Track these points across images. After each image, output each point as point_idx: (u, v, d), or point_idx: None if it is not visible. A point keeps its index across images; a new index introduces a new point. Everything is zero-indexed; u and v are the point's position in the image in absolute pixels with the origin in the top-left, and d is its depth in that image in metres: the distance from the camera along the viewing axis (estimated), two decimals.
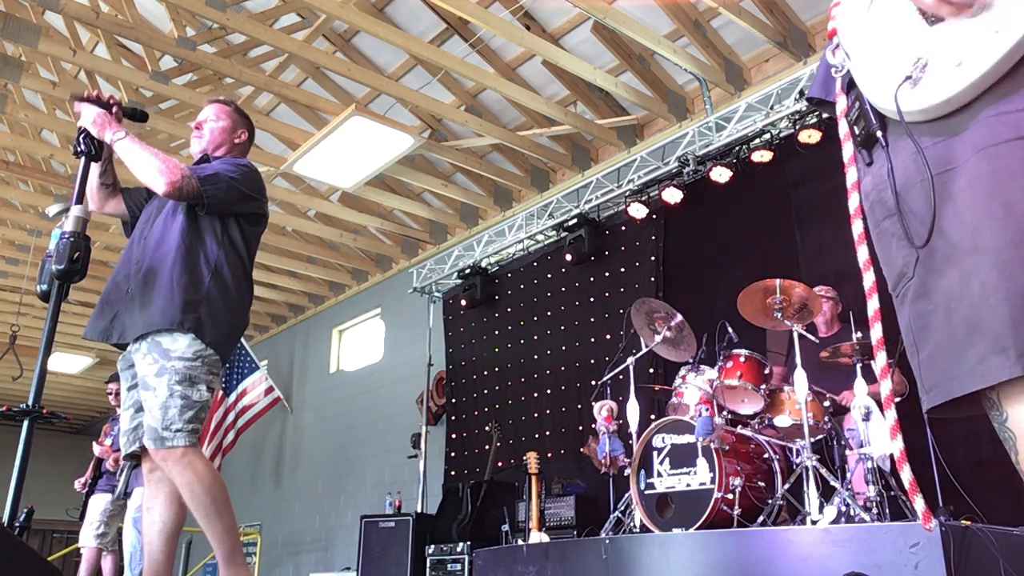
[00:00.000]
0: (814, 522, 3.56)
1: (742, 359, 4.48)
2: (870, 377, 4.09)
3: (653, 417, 4.91)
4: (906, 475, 1.26)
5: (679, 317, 4.87)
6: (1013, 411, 1.13)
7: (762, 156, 5.82)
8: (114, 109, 2.83)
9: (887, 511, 3.62)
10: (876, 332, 1.31)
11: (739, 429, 4.38)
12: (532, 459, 5.16)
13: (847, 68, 1.31)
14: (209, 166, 2.81)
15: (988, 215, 1.10)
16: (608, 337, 6.67)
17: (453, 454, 7.93)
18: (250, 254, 2.87)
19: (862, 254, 1.28)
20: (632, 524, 4.40)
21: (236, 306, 2.77)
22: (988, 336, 1.10)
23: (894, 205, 1.24)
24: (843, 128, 1.37)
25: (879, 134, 1.27)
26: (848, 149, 1.35)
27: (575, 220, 7.07)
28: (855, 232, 1.28)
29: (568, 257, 7.10)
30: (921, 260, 1.20)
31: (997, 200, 1.10)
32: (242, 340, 10.74)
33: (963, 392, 1.14)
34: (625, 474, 4.45)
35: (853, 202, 1.30)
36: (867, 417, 3.77)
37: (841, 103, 1.37)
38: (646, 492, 4.28)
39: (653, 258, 6.54)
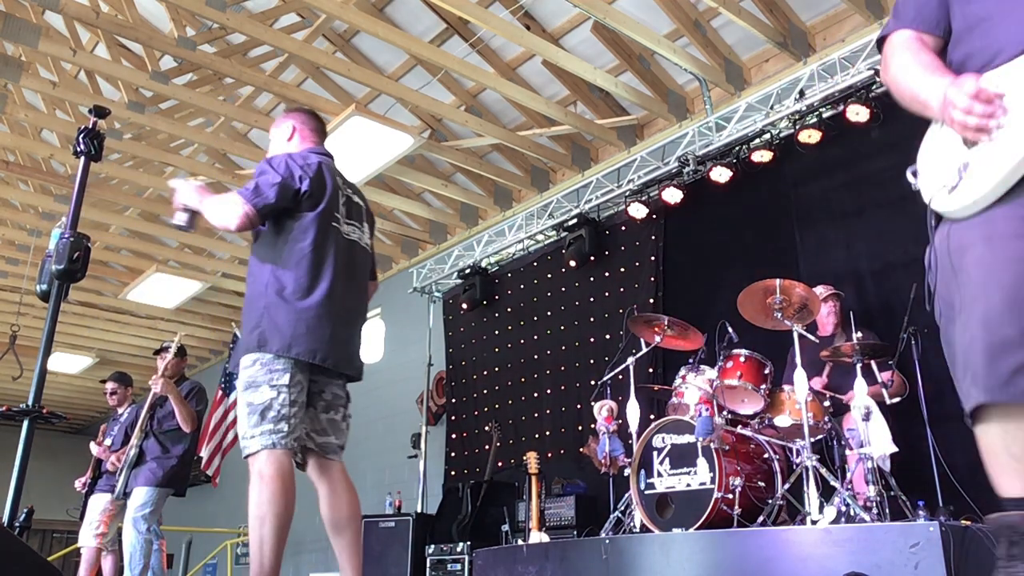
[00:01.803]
0: (814, 522, 3.56)
1: (742, 359, 4.48)
2: (870, 377, 4.09)
3: (653, 417, 4.91)
4: None
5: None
6: (977, 430, 1.55)
7: (762, 156, 5.81)
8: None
9: (887, 511, 3.62)
10: None
11: (739, 429, 4.38)
12: (532, 459, 5.15)
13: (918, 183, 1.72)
14: (250, 182, 2.84)
15: (984, 288, 1.50)
16: (608, 337, 6.67)
17: (453, 454, 7.93)
18: (309, 237, 2.80)
19: None
20: (632, 524, 4.40)
21: (299, 299, 2.74)
22: (971, 372, 1.50)
23: (931, 276, 1.67)
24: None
25: (932, 223, 1.69)
26: None
27: (575, 220, 7.07)
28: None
29: (570, 259, 7.09)
30: (943, 315, 1.63)
31: (993, 278, 1.49)
32: None
33: (967, 409, 1.54)
34: (625, 474, 4.45)
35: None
36: (867, 417, 3.77)
37: None
38: (646, 492, 4.28)
39: (653, 258, 6.54)
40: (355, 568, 2.83)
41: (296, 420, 2.69)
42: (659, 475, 4.24)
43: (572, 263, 7.08)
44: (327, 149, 3.12)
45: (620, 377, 5.00)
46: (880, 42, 1.82)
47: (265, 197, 2.75)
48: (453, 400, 8.13)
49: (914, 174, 1.72)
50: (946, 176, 1.60)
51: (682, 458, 4.17)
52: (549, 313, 7.37)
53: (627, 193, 6.70)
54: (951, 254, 1.57)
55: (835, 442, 4.22)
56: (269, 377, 2.66)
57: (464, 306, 8.05)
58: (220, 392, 10.46)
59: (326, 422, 2.85)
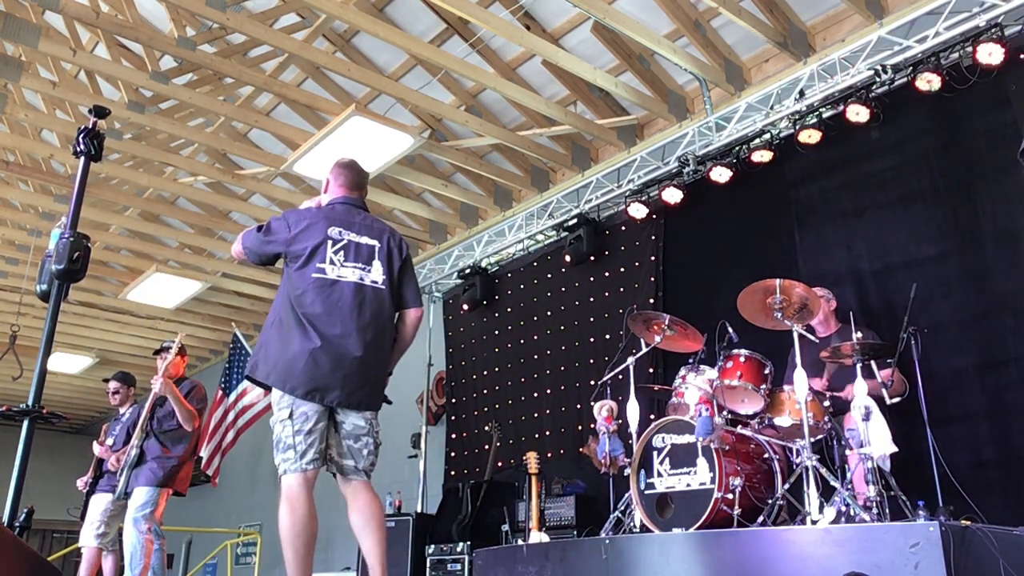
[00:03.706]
0: (814, 522, 3.56)
1: (742, 359, 4.47)
2: (870, 376, 4.09)
3: (653, 417, 4.91)
4: None
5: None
6: None
7: (762, 156, 5.82)
8: None
9: (887, 511, 3.62)
10: None
11: (739, 429, 4.38)
12: (532, 459, 5.15)
13: None
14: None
15: None
16: (608, 337, 6.67)
17: (453, 454, 7.93)
18: (299, 289, 3.18)
19: None
20: (632, 524, 4.40)
21: (286, 339, 3.13)
22: None
23: None
24: None
25: None
26: None
27: (575, 220, 7.07)
28: None
29: (568, 257, 7.10)
30: None
31: None
32: (242, 340, 10.73)
33: None
34: (625, 474, 4.45)
35: None
36: (867, 417, 3.77)
37: None
38: (646, 492, 4.27)
39: (653, 258, 6.54)
40: (376, 565, 3.17)
41: (305, 446, 3.06)
42: (659, 475, 4.24)
43: (572, 263, 7.09)
44: (350, 197, 3.47)
45: (620, 377, 5.00)
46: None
47: (246, 245, 3.33)
48: (453, 400, 8.13)
49: None
50: None
51: (682, 458, 4.16)
52: (549, 313, 7.37)
53: (627, 193, 6.70)
54: None
55: (835, 442, 4.22)
56: (277, 415, 3.10)
57: (464, 306, 8.05)
58: (220, 392, 10.45)
59: (346, 447, 3.24)
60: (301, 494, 3.03)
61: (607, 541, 3.84)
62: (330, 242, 3.26)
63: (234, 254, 3.41)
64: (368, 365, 3.23)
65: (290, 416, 3.06)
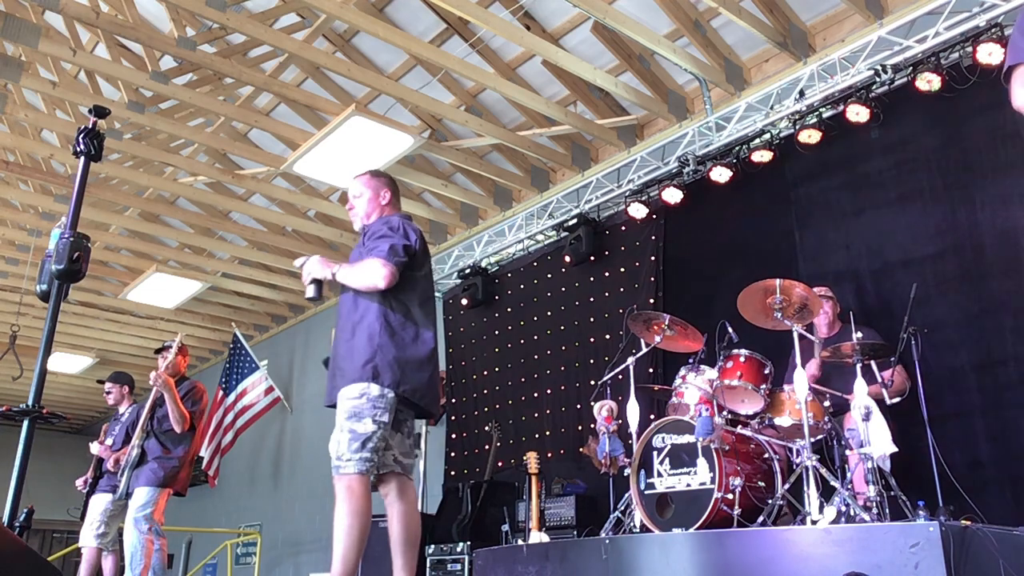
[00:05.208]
0: (814, 522, 3.56)
1: (742, 359, 4.48)
2: (870, 377, 4.09)
3: (653, 417, 4.91)
4: None
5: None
6: None
7: (762, 156, 5.82)
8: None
9: (887, 511, 3.62)
10: None
11: (739, 429, 4.38)
12: (532, 459, 5.15)
13: None
14: (381, 243, 3.28)
15: None
16: (608, 337, 6.67)
17: (453, 454, 7.93)
18: (414, 294, 3.30)
19: None
20: (632, 524, 4.40)
21: (406, 343, 3.21)
22: None
23: None
24: None
25: None
26: None
27: (575, 220, 7.07)
28: None
29: (568, 257, 7.10)
30: None
31: None
32: (242, 340, 10.74)
33: None
34: (625, 474, 4.45)
35: None
36: (867, 417, 3.77)
37: None
38: (646, 492, 4.28)
39: (653, 258, 6.54)
40: None
41: (381, 453, 3.17)
42: (659, 475, 4.24)
43: (572, 263, 7.09)
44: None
45: (620, 377, 5.00)
46: (1007, 74, 2.02)
47: (401, 257, 3.25)
48: (453, 400, 8.13)
49: None
50: None
51: (682, 458, 4.17)
52: (549, 313, 7.37)
53: (627, 193, 6.70)
54: None
55: (835, 442, 4.22)
56: (374, 412, 3.10)
57: (464, 304, 8.05)
58: (220, 392, 10.47)
59: (409, 447, 3.36)
60: (370, 494, 3.13)
61: (607, 541, 3.84)
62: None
63: (385, 281, 3.20)
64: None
65: (387, 422, 3.14)
